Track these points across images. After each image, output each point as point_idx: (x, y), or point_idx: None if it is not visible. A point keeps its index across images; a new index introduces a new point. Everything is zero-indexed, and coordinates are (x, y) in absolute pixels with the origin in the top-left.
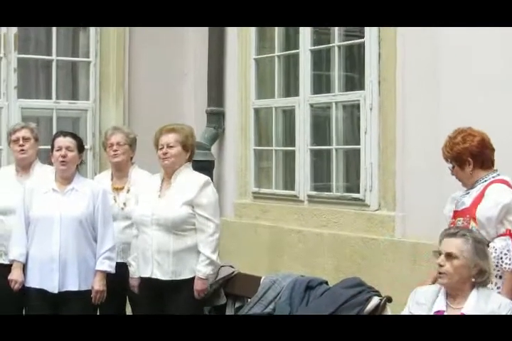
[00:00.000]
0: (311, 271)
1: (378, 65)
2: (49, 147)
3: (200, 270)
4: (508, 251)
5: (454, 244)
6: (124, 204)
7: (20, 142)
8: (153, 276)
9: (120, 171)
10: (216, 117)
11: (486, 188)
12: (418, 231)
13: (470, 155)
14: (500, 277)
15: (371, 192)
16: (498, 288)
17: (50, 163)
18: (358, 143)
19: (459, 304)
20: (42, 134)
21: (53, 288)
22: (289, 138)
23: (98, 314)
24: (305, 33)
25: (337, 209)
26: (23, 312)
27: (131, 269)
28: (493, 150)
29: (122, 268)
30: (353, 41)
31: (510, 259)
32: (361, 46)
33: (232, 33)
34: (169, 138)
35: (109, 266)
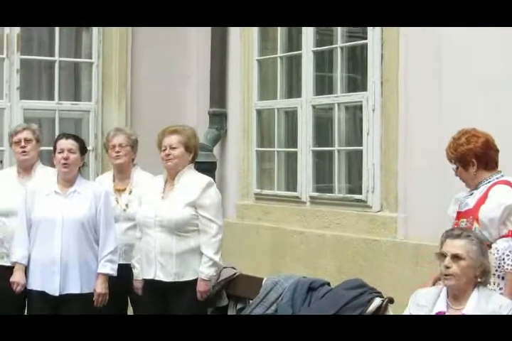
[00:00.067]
0: (313, 273)
1: (381, 65)
2: (51, 148)
3: (202, 271)
4: (510, 252)
5: (460, 245)
6: (126, 205)
7: (22, 143)
8: (157, 278)
9: (122, 173)
10: (218, 118)
11: (490, 189)
12: (420, 232)
13: (474, 156)
14: (503, 278)
15: (373, 194)
16: (500, 289)
17: (52, 165)
18: (361, 145)
19: (460, 305)
20: (44, 135)
21: (54, 290)
22: (291, 139)
23: None
24: (307, 34)
25: (339, 211)
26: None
27: (135, 271)
28: (497, 151)
29: (124, 269)
30: (355, 42)
31: None
32: (364, 47)
33: (234, 33)
34: (172, 139)
35: (111, 269)
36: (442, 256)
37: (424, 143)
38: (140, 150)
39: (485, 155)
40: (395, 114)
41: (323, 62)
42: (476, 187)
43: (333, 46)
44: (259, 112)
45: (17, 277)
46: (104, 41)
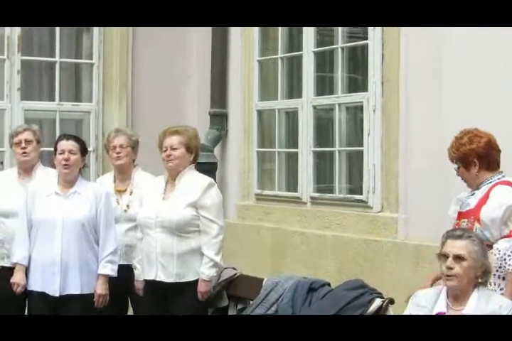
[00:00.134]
0: (313, 273)
1: (381, 66)
2: (52, 149)
3: (203, 272)
4: (511, 252)
5: (462, 246)
6: (127, 206)
7: (23, 145)
8: (158, 279)
9: (123, 173)
10: (219, 119)
11: (491, 190)
12: (421, 233)
13: (476, 157)
14: (504, 278)
15: (374, 194)
16: (501, 289)
17: (53, 166)
18: (361, 145)
19: (460, 305)
20: (45, 136)
21: (54, 291)
22: (292, 139)
23: None
24: (308, 35)
25: (340, 211)
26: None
27: (136, 272)
28: (499, 151)
29: (125, 270)
30: (356, 43)
31: None
32: (364, 48)
33: (235, 33)
34: (173, 140)
35: (112, 270)
36: (444, 256)
37: (424, 144)
38: (141, 150)
39: (487, 156)
40: (396, 115)
41: (324, 62)
42: (478, 188)
43: (334, 46)
44: (259, 113)
45: (17, 278)
46: (105, 42)
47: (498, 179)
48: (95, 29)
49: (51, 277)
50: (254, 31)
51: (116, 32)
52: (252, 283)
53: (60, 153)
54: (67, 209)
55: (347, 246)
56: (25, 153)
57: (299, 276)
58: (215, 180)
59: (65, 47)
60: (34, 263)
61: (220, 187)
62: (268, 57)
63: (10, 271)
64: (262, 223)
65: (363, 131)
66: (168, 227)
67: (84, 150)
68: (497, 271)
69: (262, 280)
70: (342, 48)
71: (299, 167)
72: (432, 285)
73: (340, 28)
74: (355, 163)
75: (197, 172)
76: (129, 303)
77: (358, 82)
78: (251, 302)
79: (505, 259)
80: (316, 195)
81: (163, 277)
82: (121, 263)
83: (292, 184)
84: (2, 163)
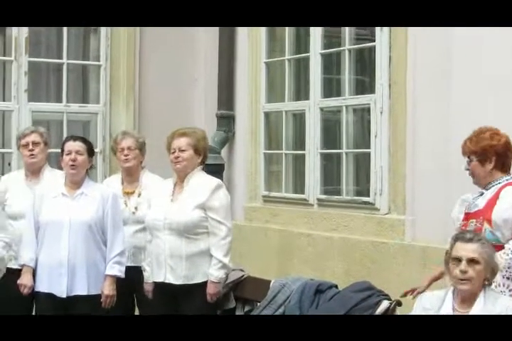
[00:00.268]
0: (320, 275)
1: (389, 68)
2: (59, 151)
3: (212, 274)
4: None
5: (473, 249)
6: (136, 208)
7: (30, 147)
8: (167, 281)
9: (131, 176)
10: (226, 121)
11: (501, 190)
12: (428, 235)
13: (495, 154)
14: None
15: (381, 196)
16: (510, 290)
17: (60, 168)
18: (368, 147)
19: (466, 307)
20: (52, 138)
21: (61, 292)
22: (299, 141)
23: None
24: (315, 37)
25: (347, 213)
26: None
27: (145, 274)
28: None
29: (132, 272)
30: (363, 45)
31: None
32: (372, 49)
33: (242, 34)
34: (181, 142)
35: (119, 271)
36: (456, 260)
37: (432, 146)
38: (148, 152)
39: (504, 156)
40: (403, 116)
41: (331, 64)
42: (486, 188)
43: (341, 48)
44: (267, 115)
45: (25, 279)
46: (112, 44)
47: (507, 180)
48: (102, 31)
49: (58, 278)
50: (262, 33)
51: (123, 33)
52: (259, 284)
53: (67, 154)
54: (74, 210)
55: (354, 248)
56: (32, 155)
57: (306, 278)
58: (222, 181)
59: (72, 49)
60: (41, 264)
61: (227, 189)
62: (275, 59)
63: (17, 272)
64: (269, 225)
65: (370, 133)
66: (177, 229)
67: (91, 151)
68: (506, 271)
69: (269, 281)
70: (349, 50)
71: (306, 169)
72: (429, 285)
73: (347, 30)
74: (363, 165)
75: (205, 174)
76: (136, 304)
77: (365, 84)
78: (258, 303)
79: None
80: (323, 196)
81: (171, 279)
82: (129, 264)
83: (299, 186)
84: (10, 164)
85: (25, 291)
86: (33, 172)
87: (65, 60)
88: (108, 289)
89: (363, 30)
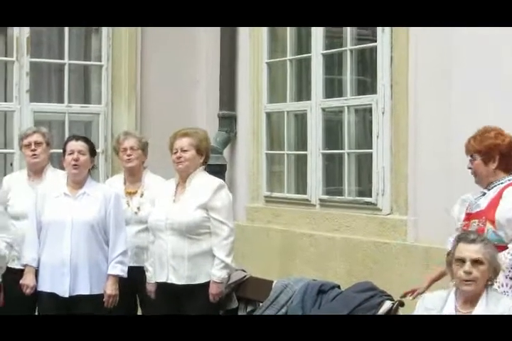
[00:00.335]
0: (323, 275)
1: (390, 68)
2: (61, 151)
3: (215, 274)
4: None
5: (476, 250)
6: (138, 208)
7: (32, 147)
8: (169, 281)
9: (133, 176)
10: (228, 121)
11: (503, 190)
12: (430, 235)
13: (499, 153)
14: None
15: (383, 196)
16: None
17: (63, 168)
18: (370, 147)
19: (469, 308)
20: (54, 138)
21: (64, 292)
22: (301, 142)
23: None
24: (317, 37)
25: (349, 214)
26: None
27: (148, 274)
28: None
29: (135, 271)
30: (365, 45)
31: None
32: (373, 50)
33: (244, 34)
34: (183, 142)
35: (121, 271)
36: (460, 261)
37: (434, 146)
38: (150, 153)
39: (508, 156)
40: (405, 117)
41: (333, 64)
42: (488, 188)
43: (343, 49)
44: (268, 115)
45: (27, 279)
46: (114, 44)
47: (509, 180)
48: (104, 31)
49: (61, 278)
50: (263, 33)
51: (124, 33)
52: (261, 285)
53: (70, 154)
54: (76, 210)
55: (356, 248)
56: (34, 155)
57: (308, 278)
58: (224, 181)
59: (73, 49)
60: (43, 264)
61: (229, 189)
62: (277, 59)
63: (20, 272)
64: (271, 225)
65: (372, 133)
66: (179, 229)
67: (93, 151)
68: (510, 271)
69: (272, 282)
70: (351, 50)
71: (308, 169)
72: (429, 286)
73: (349, 30)
74: (364, 165)
75: (207, 174)
76: (138, 304)
77: (366, 84)
78: (260, 304)
79: None
80: (325, 197)
81: (174, 279)
82: (131, 264)
83: (301, 186)
84: (12, 164)
85: (28, 291)
86: (36, 172)
87: (67, 60)
88: (110, 289)
89: (364, 31)
